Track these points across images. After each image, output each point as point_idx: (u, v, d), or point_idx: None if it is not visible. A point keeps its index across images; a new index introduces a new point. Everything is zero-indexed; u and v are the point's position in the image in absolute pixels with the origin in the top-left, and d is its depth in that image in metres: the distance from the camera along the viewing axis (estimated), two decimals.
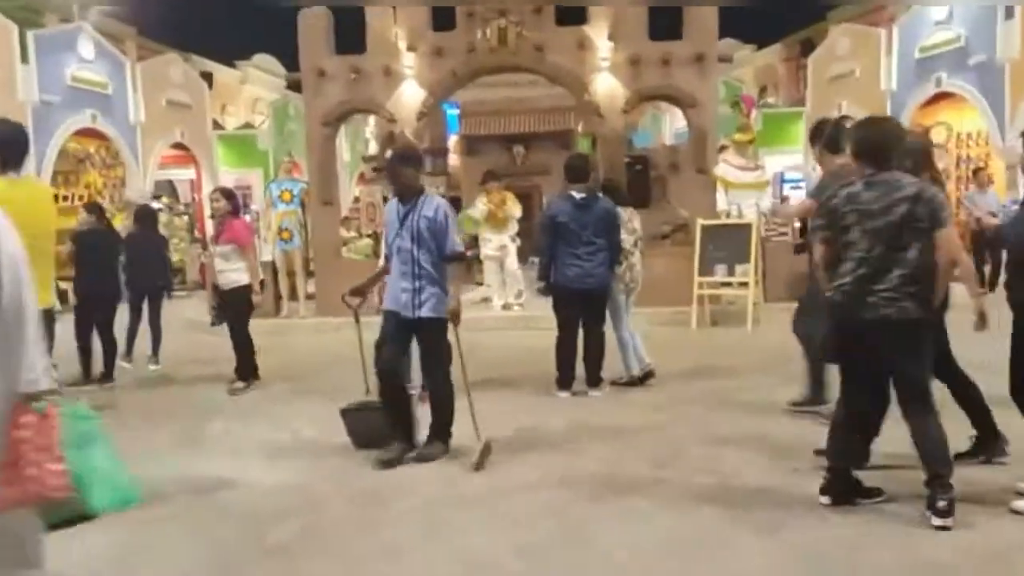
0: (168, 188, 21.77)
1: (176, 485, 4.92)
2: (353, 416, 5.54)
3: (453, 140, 20.38)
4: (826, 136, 5.57)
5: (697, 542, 3.95)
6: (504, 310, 11.57)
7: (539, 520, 4.25)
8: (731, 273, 10.51)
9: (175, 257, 18.30)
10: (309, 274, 11.83)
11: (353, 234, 13.87)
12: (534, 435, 5.88)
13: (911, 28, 16.28)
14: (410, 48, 11.50)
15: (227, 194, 7.83)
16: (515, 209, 11.46)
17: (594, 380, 7.03)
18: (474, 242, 14.83)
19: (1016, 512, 4.05)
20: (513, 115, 17.40)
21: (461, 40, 11.50)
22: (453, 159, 20.60)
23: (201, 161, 20.02)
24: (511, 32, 11.37)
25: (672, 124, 24.21)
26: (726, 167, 11.36)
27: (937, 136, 16.98)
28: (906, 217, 3.87)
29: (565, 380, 6.99)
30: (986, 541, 3.81)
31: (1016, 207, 4.61)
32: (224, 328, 7.96)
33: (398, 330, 5.26)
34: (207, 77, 24.33)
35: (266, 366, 8.23)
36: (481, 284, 13.08)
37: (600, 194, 7.02)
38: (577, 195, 6.86)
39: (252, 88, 27.62)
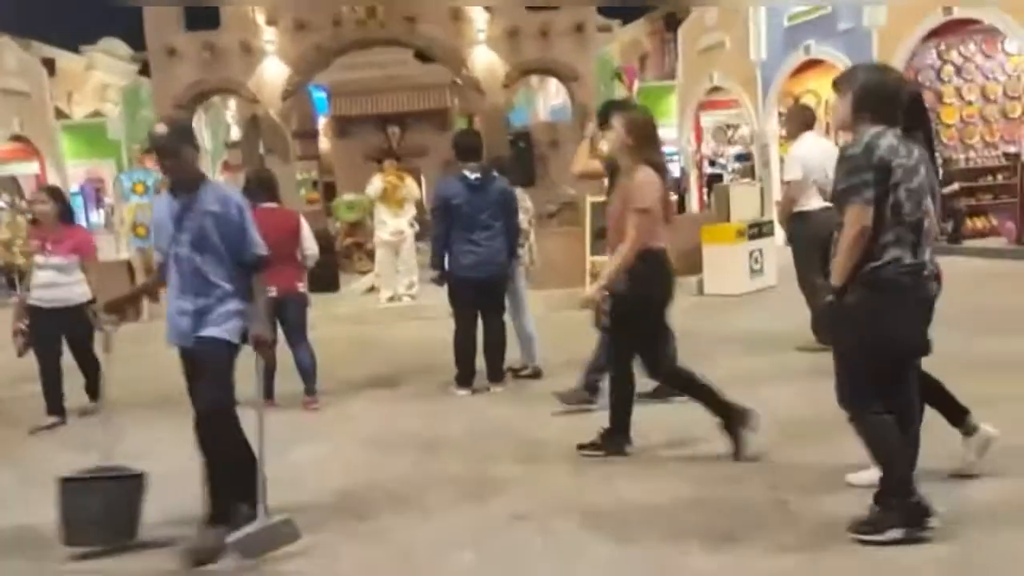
0: (11, 185, 19.98)
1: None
2: (75, 493, 3.83)
3: (323, 122, 19.39)
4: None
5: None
6: (390, 302, 10.89)
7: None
8: None
9: (17, 260, 16.77)
10: None
11: None
12: (434, 441, 5.31)
13: None
14: (270, 22, 10.62)
15: (55, 194, 6.73)
16: (414, 189, 10.74)
17: (496, 375, 6.50)
18: (352, 230, 14.09)
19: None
20: (386, 93, 16.57)
21: (326, 12, 10.69)
22: (323, 143, 19.60)
23: (44, 154, 18.35)
24: (380, 3, 10.65)
25: (546, 101, 23.99)
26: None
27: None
28: (929, 180, 3.41)
29: (464, 377, 6.42)
30: None
31: None
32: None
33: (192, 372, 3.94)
34: (49, 64, 22.72)
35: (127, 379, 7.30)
36: (365, 272, 12.31)
37: (495, 173, 6.47)
38: (471, 175, 6.26)
39: (100, 75, 25.75)
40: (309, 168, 17.11)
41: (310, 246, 6.45)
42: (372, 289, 11.37)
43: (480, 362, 6.52)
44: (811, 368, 5.66)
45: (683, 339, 8.10)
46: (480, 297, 6.44)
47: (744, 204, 15.14)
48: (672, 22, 26.20)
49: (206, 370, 3.83)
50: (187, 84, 10.53)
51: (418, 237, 10.94)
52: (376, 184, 10.68)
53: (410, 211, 10.81)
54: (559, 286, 10.03)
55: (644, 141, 4.57)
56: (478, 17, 10.76)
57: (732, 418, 4.51)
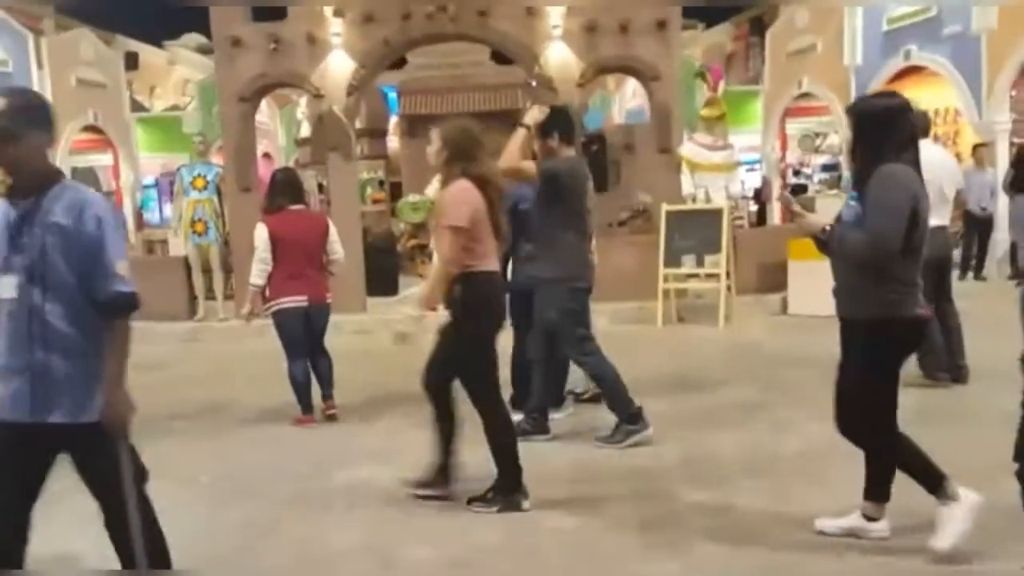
0: (91, 176, 20.11)
1: None
2: None
3: (393, 122, 19.01)
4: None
5: None
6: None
7: None
8: (700, 264, 9.44)
9: None
10: (227, 271, 10.46)
11: None
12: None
13: None
14: (337, 14, 10.16)
15: None
16: None
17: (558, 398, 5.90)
18: (416, 231, 13.59)
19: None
20: (456, 93, 16.09)
21: (394, 4, 10.19)
22: (392, 142, 19.24)
23: (118, 145, 18.38)
24: None
25: (622, 103, 23.19)
26: (692, 147, 10.25)
27: None
28: None
29: (522, 400, 5.82)
30: None
31: None
32: None
33: (10, 456, 2.71)
34: (132, 58, 22.87)
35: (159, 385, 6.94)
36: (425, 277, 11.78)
37: None
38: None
39: (181, 69, 25.90)
40: (375, 167, 16.75)
41: (337, 250, 6.05)
42: None
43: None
44: (919, 407, 4.91)
45: (766, 364, 7.42)
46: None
47: (830, 217, 14.23)
48: (758, 26, 25.17)
49: (90, 459, 2.72)
50: (252, 76, 10.16)
51: None
52: (436, 184, 10.14)
53: None
54: (629, 298, 9.37)
55: (461, 153, 4.18)
56: (553, 12, 10.12)
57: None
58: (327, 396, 6.11)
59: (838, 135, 19.41)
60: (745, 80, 24.05)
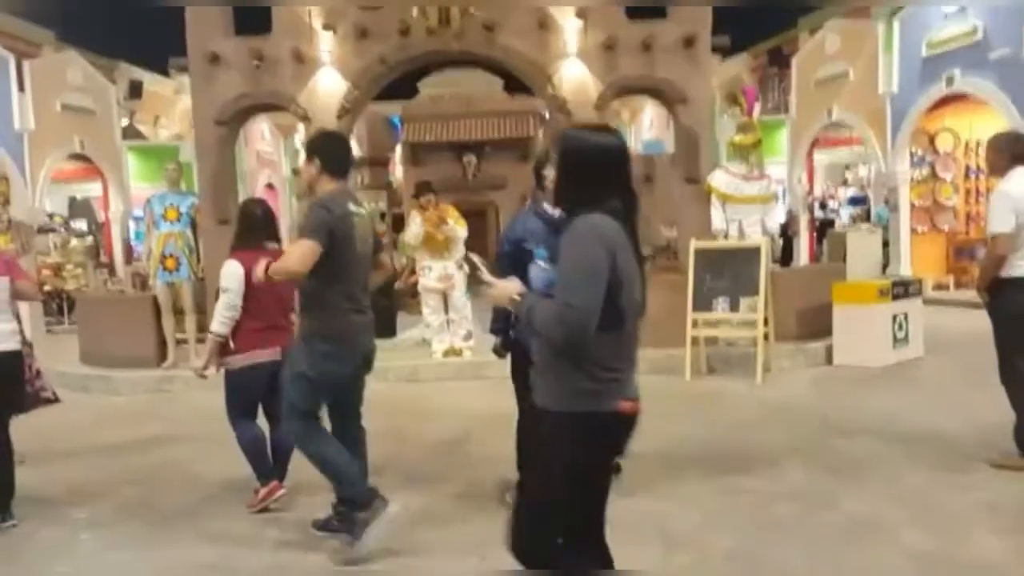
0: (88, 210, 19.18)
1: None
2: None
3: (398, 150, 18.01)
4: None
5: None
6: (445, 357, 9.21)
7: None
8: (735, 308, 8.28)
9: (67, 285, 15.79)
10: (201, 312, 9.36)
11: None
12: None
13: (916, 21, 14.31)
14: (327, 27, 9.14)
15: None
16: (459, 229, 9.02)
17: None
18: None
19: None
20: (463, 119, 15.04)
21: (392, 18, 9.15)
22: (396, 171, 18.22)
23: (107, 174, 17.41)
24: (455, 8, 9.09)
25: (638, 135, 22.20)
26: (723, 176, 9.12)
27: (943, 144, 15.09)
28: None
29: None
30: None
31: None
32: None
33: None
34: (136, 87, 22.26)
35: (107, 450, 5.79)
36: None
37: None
38: (553, 209, 4.57)
39: (187, 99, 25.11)
40: (377, 198, 15.70)
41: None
42: (424, 342, 9.71)
43: None
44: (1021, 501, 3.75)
45: (816, 432, 6.23)
46: None
47: (863, 254, 13.04)
48: (777, 56, 24.31)
49: None
50: (232, 96, 9.09)
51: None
52: (414, 229, 9.05)
53: (458, 250, 9.19)
54: (652, 345, 8.19)
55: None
56: (568, 26, 9.07)
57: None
58: (282, 476, 4.95)
59: (866, 167, 18.39)
60: (764, 112, 23.10)
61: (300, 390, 4.09)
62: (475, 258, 2.99)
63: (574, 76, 9.21)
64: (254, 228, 4.97)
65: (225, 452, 5.32)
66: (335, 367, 4.09)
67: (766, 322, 8.28)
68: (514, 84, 16.23)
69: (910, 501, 4.51)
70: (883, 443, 5.71)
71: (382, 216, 15.85)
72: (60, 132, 15.85)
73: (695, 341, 8.47)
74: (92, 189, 18.21)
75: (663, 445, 5.68)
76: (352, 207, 4.08)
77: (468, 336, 9.21)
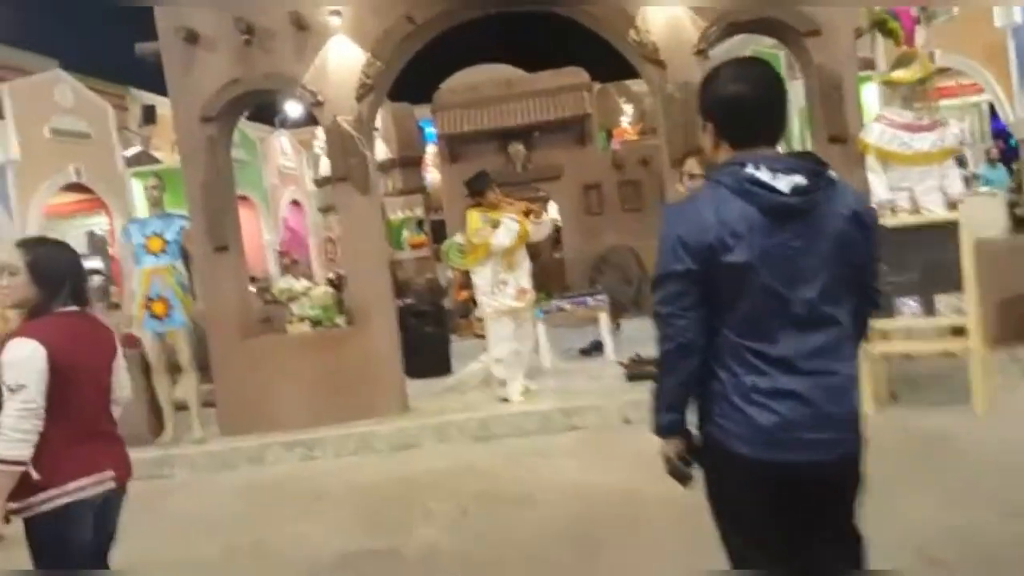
0: (101, 246, 17.29)
1: None
2: None
3: (431, 152, 15.80)
4: None
5: None
6: (523, 398, 6.99)
7: None
8: (928, 310, 5.91)
9: None
10: (204, 368, 7.23)
11: (303, 283, 9.41)
12: None
13: None
14: None
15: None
16: (544, 225, 7.21)
17: None
18: (466, 279, 10.21)
19: None
20: (504, 103, 12.76)
21: None
22: (431, 173, 15.99)
23: (111, 205, 15.47)
24: None
25: None
26: (881, 128, 6.75)
27: None
28: None
29: None
30: None
31: None
32: None
33: None
34: (150, 111, 21.01)
35: None
36: (483, 337, 8.27)
37: (831, 171, 2.42)
38: (777, 176, 2.26)
39: None
40: (412, 204, 13.48)
41: (123, 383, 3.29)
42: (493, 381, 7.42)
43: None
44: None
45: None
46: (802, 506, 2.40)
47: (980, 222, 10.64)
48: None
49: None
50: (219, 84, 6.93)
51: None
52: (511, 228, 6.86)
53: (525, 258, 7.10)
54: None
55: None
56: None
57: None
58: None
59: (962, 123, 15.83)
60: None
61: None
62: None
63: (665, 17, 6.90)
64: (58, 283, 3.07)
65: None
66: None
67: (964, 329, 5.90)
68: (549, 62, 14.09)
69: None
70: None
71: (419, 224, 13.64)
72: (51, 160, 13.96)
73: (879, 359, 6.10)
74: (99, 222, 16.31)
75: (912, 540, 3.38)
76: None
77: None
